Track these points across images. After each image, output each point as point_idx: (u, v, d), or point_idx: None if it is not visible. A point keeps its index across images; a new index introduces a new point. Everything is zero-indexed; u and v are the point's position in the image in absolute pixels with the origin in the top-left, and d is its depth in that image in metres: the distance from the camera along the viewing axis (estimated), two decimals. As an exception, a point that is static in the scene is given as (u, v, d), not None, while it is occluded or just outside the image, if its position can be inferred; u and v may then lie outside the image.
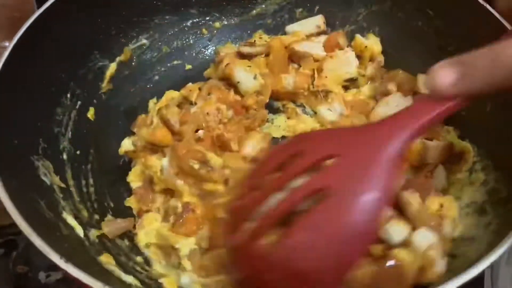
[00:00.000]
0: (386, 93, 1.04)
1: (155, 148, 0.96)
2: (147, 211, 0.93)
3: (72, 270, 0.61)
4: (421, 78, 1.01)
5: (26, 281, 1.03)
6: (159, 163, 0.93)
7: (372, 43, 1.12)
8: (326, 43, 1.11)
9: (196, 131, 0.96)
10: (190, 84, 1.08)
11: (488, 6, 0.93)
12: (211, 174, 0.88)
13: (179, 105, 1.02)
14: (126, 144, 0.99)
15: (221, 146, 0.95)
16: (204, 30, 1.21)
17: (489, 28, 0.92)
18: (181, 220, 0.86)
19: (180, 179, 0.89)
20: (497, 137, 0.89)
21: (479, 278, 0.80)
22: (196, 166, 0.88)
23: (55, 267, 0.65)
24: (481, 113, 0.93)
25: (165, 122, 0.96)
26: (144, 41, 1.16)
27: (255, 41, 1.15)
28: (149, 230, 0.89)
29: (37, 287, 1.02)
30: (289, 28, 1.18)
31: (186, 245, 0.85)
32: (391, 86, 1.03)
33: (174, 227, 0.87)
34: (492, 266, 0.80)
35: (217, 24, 1.20)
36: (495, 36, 0.88)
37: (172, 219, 0.89)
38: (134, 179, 0.98)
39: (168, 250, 0.86)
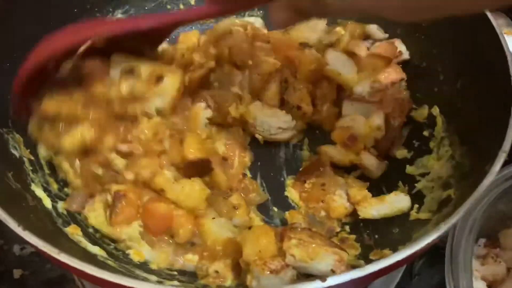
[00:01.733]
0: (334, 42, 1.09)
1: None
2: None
3: (29, 237, 0.62)
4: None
5: (1, 253, 1.04)
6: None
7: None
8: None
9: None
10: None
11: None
12: (116, 178, 0.85)
13: None
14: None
15: None
16: (181, 5, 1.20)
17: None
18: (117, 210, 0.83)
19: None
20: (465, 113, 0.90)
21: (440, 253, 0.82)
22: (100, 171, 0.86)
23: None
24: (452, 90, 0.94)
25: None
26: (120, 15, 1.15)
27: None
28: (98, 214, 0.86)
29: (11, 260, 1.04)
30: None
31: (132, 231, 0.84)
32: (340, 29, 1.11)
33: (111, 219, 0.84)
34: (452, 240, 0.81)
35: (192, 0, 1.20)
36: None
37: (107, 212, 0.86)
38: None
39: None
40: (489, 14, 0.87)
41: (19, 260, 1.03)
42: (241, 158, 0.99)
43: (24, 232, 0.62)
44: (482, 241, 0.97)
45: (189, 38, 1.08)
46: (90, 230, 0.85)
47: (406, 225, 0.85)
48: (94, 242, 0.82)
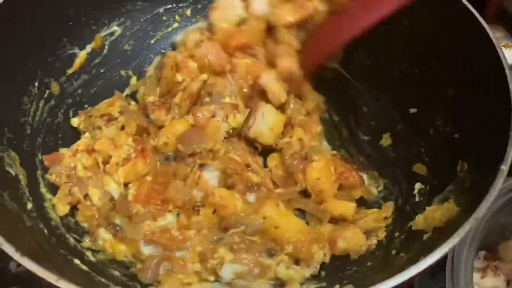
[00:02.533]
0: None
1: None
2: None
3: (28, 264, 0.60)
4: None
5: (-3, 271, 1.03)
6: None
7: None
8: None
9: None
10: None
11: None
12: None
13: None
14: None
15: None
16: (177, 16, 1.19)
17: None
18: None
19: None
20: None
21: (441, 262, 0.81)
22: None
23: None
24: (452, 105, 0.94)
25: None
26: (116, 28, 1.14)
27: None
28: None
29: (8, 277, 1.02)
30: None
31: None
32: None
33: None
34: (453, 254, 0.80)
35: (188, 12, 1.19)
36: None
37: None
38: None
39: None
40: (486, 27, 0.87)
41: (15, 277, 1.02)
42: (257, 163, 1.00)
43: (22, 258, 0.61)
44: (481, 253, 0.96)
45: (172, 57, 1.06)
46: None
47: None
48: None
